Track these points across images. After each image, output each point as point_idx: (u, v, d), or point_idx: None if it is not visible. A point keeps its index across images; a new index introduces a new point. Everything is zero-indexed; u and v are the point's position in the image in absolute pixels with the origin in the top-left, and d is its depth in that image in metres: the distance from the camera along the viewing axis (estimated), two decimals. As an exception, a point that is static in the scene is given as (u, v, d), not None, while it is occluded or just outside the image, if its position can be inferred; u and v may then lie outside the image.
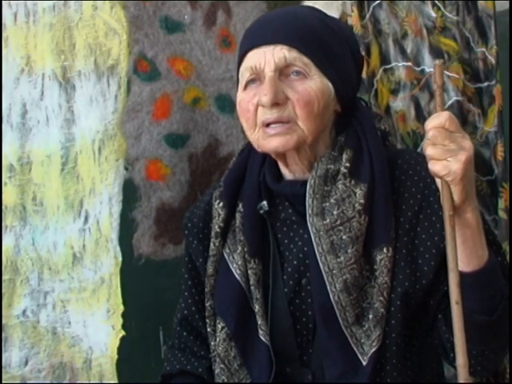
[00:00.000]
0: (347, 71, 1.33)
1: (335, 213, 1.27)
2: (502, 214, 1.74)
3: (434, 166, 1.13)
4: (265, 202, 1.35)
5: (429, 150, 1.12)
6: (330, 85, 1.29)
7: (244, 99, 1.30)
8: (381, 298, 1.26)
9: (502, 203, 1.75)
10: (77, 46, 1.77)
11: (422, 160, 1.24)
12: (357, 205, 1.27)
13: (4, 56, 1.75)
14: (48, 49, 1.76)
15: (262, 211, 1.35)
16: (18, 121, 1.76)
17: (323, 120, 1.30)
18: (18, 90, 1.76)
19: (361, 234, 1.27)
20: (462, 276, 1.13)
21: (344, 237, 1.26)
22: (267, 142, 1.28)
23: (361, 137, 1.32)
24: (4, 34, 1.75)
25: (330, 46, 1.30)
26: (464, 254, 1.18)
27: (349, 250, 1.26)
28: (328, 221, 1.27)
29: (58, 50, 1.76)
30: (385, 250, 1.27)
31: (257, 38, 1.30)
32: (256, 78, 1.29)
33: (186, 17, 1.81)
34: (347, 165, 1.29)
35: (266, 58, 1.27)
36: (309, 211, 1.29)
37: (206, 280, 1.39)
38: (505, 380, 1.68)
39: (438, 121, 1.12)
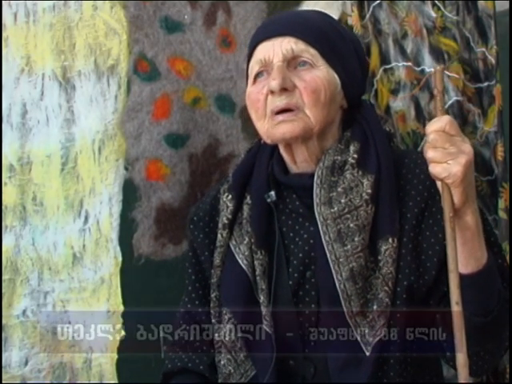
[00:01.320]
0: (352, 68, 1.36)
1: (343, 201, 1.30)
2: (502, 214, 1.74)
3: (435, 169, 1.15)
4: (272, 192, 1.37)
5: (429, 153, 1.15)
6: (336, 76, 1.33)
7: (253, 91, 1.34)
8: (385, 288, 1.27)
9: (502, 203, 1.75)
10: (77, 46, 1.77)
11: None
12: (364, 194, 1.29)
13: (4, 56, 1.75)
14: (48, 49, 1.76)
15: (269, 200, 1.37)
16: (18, 121, 1.76)
17: (330, 111, 1.33)
18: (18, 89, 1.77)
19: (367, 223, 1.29)
20: (461, 278, 1.14)
21: (351, 225, 1.29)
22: (275, 129, 1.31)
23: (367, 132, 1.35)
24: (4, 34, 1.75)
25: (335, 43, 1.34)
26: (463, 256, 1.19)
27: (356, 239, 1.28)
28: (336, 209, 1.30)
29: (58, 50, 1.77)
30: (390, 240, 1.29)
31: (265, 32, 1.35)
32: (265, 71, 1.33)
33: (186, 17, 1.81)
34: (355, 156, 1.32)
35: (275, 49, 1.31)
36: (316, 200, 1.31)
37: (212, 271, 1.41)
38: (505, 380, 1.68)
39: (438, 125, 1.14)
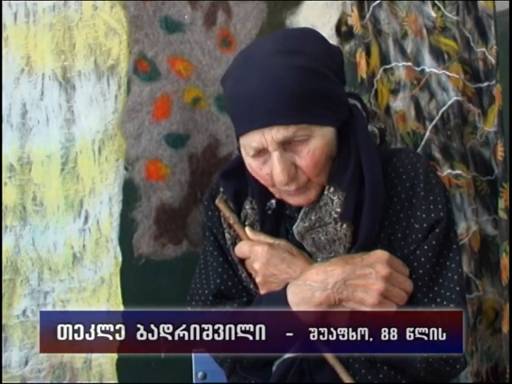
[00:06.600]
0: (337, 97, 1.32)
1: (313, 218, 1.34)
2: (502, 214, 1.75)
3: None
4: (273, 201, 1.40)
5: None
6: (330, 128, 1.31)
7: (255, 164, 1.33)
8: None
9: (501, 203, 1.76)
10: (77, 46, 1.77)
11: (417, 160, 1.35)
12: (333, 213, 1.32)
13: (4, 56, 1.75)
14: (48, 49, 1.76)
15: (269, 211, 1.40)
16: (18, 121, 1.76)
17: (330, 158, 1.34)
18: (18, 89, 1.76)
19: (338, 238, 1.32)
20: None
21: (322, 238, 1.33)
22: (289, 199, 1.36)
23: (351, 148, 1.33)
24: (4, 34, 1.75)
25: (318, 95, 1.27)
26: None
27: (328, 249, 1.34)
28: (307, 224, 1.34)
29: (58, 50, 1.76)
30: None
31: (250, 121, 1.29)
32: (261, 151, 1.31)
33: (186, 17, 1.81)
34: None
35: (266, 138, 1.28)
36: (300, 215, 1.37)
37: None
38: (505, 380, 1.69)
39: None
